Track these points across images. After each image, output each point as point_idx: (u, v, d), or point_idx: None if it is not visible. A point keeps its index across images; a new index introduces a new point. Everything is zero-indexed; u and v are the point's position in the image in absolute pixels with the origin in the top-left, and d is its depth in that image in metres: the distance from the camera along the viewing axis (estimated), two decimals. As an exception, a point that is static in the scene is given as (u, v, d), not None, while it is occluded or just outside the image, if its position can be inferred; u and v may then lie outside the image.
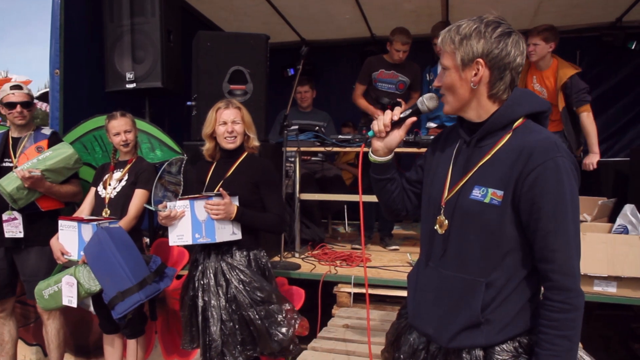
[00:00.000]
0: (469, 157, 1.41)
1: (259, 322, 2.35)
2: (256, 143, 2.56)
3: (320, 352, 2.46)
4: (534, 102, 1.39)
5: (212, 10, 5.25)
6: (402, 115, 1.52)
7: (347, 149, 3.98)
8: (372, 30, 5.69)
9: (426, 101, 1.51)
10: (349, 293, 3.12)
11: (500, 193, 1.31)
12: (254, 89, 3.46)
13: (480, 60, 1.32)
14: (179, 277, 3.21)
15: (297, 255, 3.80)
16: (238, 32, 3.94)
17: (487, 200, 1.33)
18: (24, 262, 3.13)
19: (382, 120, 1.52)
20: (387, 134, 1.53)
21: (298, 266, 3.44)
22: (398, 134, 1.53)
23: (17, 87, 3.08)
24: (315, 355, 2.43)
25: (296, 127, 3.82)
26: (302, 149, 3.76)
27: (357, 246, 4.11)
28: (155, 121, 3.83)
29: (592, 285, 2.91)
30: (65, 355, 3.63)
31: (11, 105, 3.05)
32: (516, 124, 1.36)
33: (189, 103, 3.59)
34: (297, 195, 3.82)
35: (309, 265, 3.52)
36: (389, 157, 1.57)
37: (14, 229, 3.06)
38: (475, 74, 1.33)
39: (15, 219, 3.07)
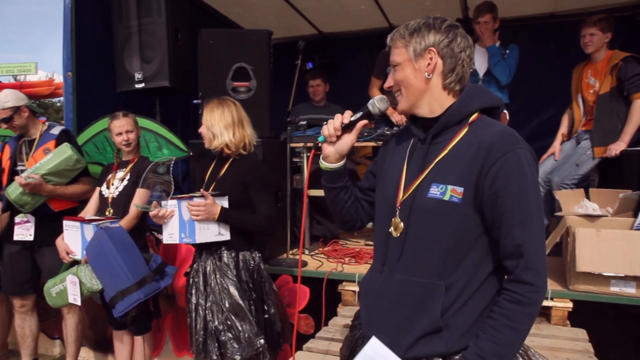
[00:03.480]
0: (424, 154, 1.35)
1: (222, 331, 2.32)
2: (247, 141, 2.50)
3: (315, 353, 2.42)
4: (487, 97, 1.35)
5: (226, 6, 5.23)
6: (352, 119, 1.47)
7: (363, 144, 3.89)
8: (389, 20, 5.54)
9: (377, 103, 1.47)
10: (354, 291, 3.07)
11: (460, 190, 1.25)
12: (257, 86, 3.43)
13: (433, 49, 1.31)
14: (187, 274, 3.23)
15: (306, 252, 3.76)
16: (240, 29, 3.91)
17: (446, 197, 1.27)
18: (41, 260, 3.24)
19: (332, 124, 1.47)
20: (337, 138, 1.48)
21: (305, 264, 3.40)
22: (349, 138, 1.49)
23: None
24: (308, 356, 2.39)
25: (304, 122, 3.77)
26: (308, 144, 3.71)
27: (370, 242, 4.04)
28: (167, 120, 3.87)
29: (608, 286, 2.73)
30: (83, 349, 3.75)
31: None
32: (471, 118, 1.32)
33: (195, 101, 3.60)
34: (305, 191, 3.76)
35: (316, 262, 3.48)
36: (341, 163, 1.52)
37: (25, 231, 3.15)
38: (429, 64, 1.31)
39: (27, 221, 3.16)
